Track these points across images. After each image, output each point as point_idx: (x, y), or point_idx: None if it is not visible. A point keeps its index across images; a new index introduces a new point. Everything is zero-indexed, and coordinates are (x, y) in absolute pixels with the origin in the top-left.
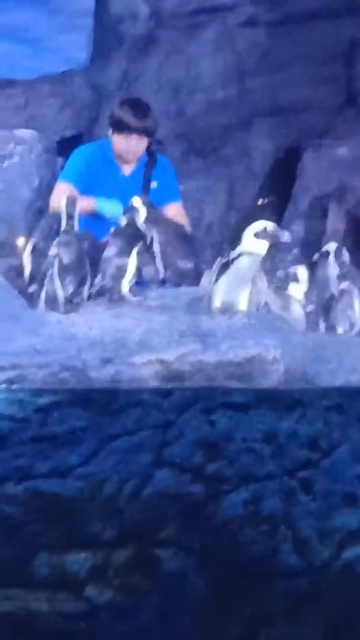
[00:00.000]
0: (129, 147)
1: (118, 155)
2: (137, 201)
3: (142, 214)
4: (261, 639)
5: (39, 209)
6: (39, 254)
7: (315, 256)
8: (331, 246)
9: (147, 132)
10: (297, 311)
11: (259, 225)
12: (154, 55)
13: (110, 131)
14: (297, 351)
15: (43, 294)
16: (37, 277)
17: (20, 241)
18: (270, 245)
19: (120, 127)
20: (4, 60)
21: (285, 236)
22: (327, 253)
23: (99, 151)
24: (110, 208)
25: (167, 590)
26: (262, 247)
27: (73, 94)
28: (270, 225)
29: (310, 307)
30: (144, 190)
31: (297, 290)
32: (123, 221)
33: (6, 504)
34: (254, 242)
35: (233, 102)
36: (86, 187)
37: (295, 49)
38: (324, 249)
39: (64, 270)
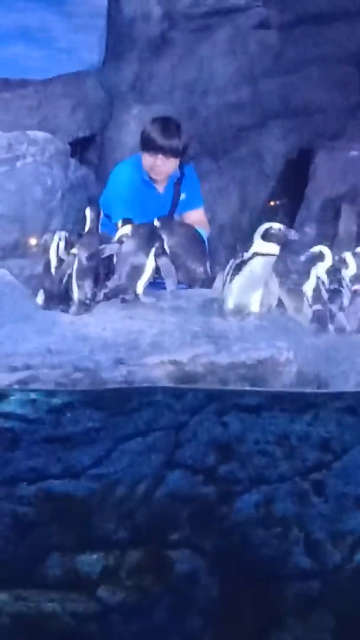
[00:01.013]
0: (155, 165)
1: (147, 172)
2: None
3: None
4: None
5: (52, 209)
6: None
7: (303, 257)
8: (324, 250)
9: (174, 153)
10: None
11: (265, 227)
12: (166, 56)
13: (140, 150)
14: (310, 353)
15: (57, 294)
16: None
17: (33, 241)
18: (280, 245)
19: (147, 146)
20: (17, 61)
21: (292, 234)
22: (317, 256)
23: (136, 173)
24: None
25: (178, 592)
26: (272, 248)
27: (86, 95)
28: (276, 225)
29: (317, 307)
30: (174, 205)
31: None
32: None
33: (19, 505)
34: (263, 244)
35: (246, 104)
36: None
37: (308, 51)
38: (312, 250)
39: (81, 272)
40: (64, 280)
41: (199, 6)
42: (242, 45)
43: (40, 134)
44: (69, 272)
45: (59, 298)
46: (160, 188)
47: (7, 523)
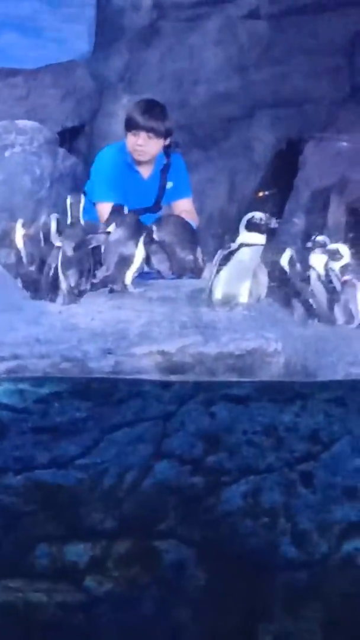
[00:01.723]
0: (137, 145)
1: (132, 155)
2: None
3: None
4: (260, 631)
5: (40, 199)
6: (30, 235)
7: (309, 244)
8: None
9: (156, 132)
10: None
11: (247, 217)
12: (156, 46)
13: (124, 132)
14: (298, 344)
15: (46, 285)
16: (35, 262)
17: (21, 231)
18: (265, 234)
19: (129, 124)
20: (6, 49)
21: (273, 222)
22: (319, 243)
23: (120, 156)
24: None
25: (166, 582)
26: (257, 238)
27: (75, 84)
28: (257, 215)
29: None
30: (160, 193)
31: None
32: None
33: (6, 495)
34: (248, 234)
35: (235, 94)
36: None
37: (298, 41)
38: (313, 238)
39: (67, 262)
40: (51, 272)
41: None
42: (231, 35)
43: (29, 123)
44: (54, 264)
45: (36, 285)
46: (145, 174)
47: None
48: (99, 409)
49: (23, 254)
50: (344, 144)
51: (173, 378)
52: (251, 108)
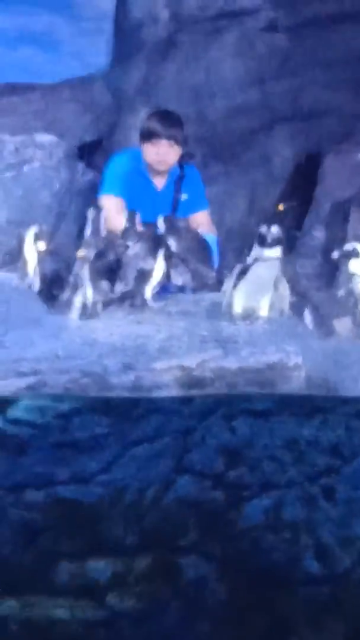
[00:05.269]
0: (159, 155)
1: (149, 166)
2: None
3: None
4: None
5: (59, 214)
6: (47, 251)
7: (335, 254)
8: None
9: (176, 140)
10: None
11: (259, 232)
12: (174, 59)
13: (141, 143)
14: (319, 357)
15: (76, 299)
16: (49, 278)
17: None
18: (279, 247)
19: (149, 135)
20: (24, 64)
21: (276, 231)
22: (350, 252)
23: (134, 163)
24: None
25: (187, 598)
26: (271, 252)
27: (93, 98)
28: (263, 229)
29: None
30: (174, 204)
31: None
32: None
33: (27, 511)
34: (260, 249)
35: (253, 106)
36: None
37: (316, 54)
38: (346, 247)
39: (96, 274)
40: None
41: (207, 9)
42: (249, 48)
43: (47, 138)
44: (78, 278)
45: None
46: (159, 184)
47: (15, 529)
48: (119, 424)
49: (29, 268)
50: None
51: (193, 393)
52: (270, 121)
